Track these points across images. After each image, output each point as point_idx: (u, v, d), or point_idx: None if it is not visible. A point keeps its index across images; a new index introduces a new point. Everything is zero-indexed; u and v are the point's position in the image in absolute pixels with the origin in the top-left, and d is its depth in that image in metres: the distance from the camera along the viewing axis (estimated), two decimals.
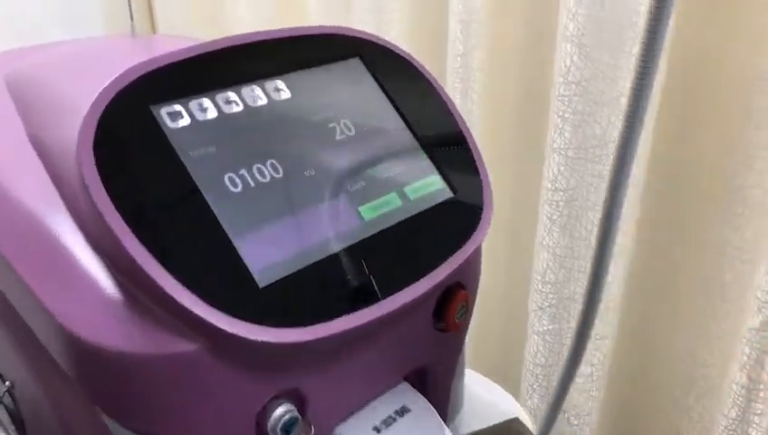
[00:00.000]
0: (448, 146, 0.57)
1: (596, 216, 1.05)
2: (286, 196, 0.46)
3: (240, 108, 0.48)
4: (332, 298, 0.44)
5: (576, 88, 1.02)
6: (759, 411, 1.05)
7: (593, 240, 1.10)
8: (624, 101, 0.71)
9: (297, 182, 0.47)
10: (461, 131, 0.58)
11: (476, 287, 0.60)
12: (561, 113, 1.03)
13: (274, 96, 0.50)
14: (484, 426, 0.70)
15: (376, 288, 0.46)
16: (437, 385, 0.61)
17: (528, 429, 0.70)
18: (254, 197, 0.44)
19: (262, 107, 0.49)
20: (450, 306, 0.56)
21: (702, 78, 1.03)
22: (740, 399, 1.05)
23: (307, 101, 0.52)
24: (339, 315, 0.43)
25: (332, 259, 0.45)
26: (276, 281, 0.41)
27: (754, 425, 1.05)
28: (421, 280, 0.49)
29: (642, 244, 1.10)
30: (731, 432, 1.07)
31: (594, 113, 1.02)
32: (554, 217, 1.05)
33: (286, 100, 0.51)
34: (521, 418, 0.71)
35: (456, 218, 0.54)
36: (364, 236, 0.48)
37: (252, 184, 0.45)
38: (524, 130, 1.16)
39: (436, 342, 0.57)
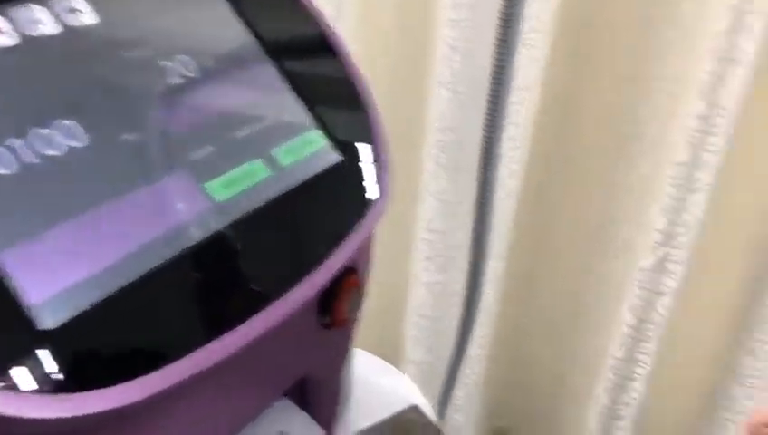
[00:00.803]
0: (332, 90, 0.42)
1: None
2: (90, 177, 0.29)
3: (14, 40, 0.31)
4: (169, 331, 0.29)
5: (463, 11, 0.89)
6: (646, 351, 1.01)
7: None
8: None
9: (108, 153, 0.31)
10: (347, 69, 0.43)
11: (369, 270, 0.46)
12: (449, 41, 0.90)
13: (71, 21, 0.33)
14: (378, 419, 0.58)
15: (237, 305, 0.31)
16: (323, 391, 0.48)
17: (426, 416, 0.59)
18: (34, 182, 0.28)
19: (50, 39, 0.32)
20: (340, 297, 0.42)
21: (596, 11, 0.93)
22: (628, 339, 1.01)
23: (123, 29, 0.35)
24: (180, 355, 0.28)
25: (165, 270, 0.30)
26: (72, 319, 0.25)
27: (641, 364, 1.02)
28: (301, 284, 0.34)
29: (530, 185, 1.01)
30: (617, 371, 1.03)
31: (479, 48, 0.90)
32: (441, 162, 0.93)
33: (90, 27, 0.33)
34: (418, 404, 0.60)
35: (347, 189, 0.40)
36: (216, 228, 0.33)
37: (33, 160, 0.28)
38: (408, 63, 1.02)
39: (321, 342, 0.44)
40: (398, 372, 0.65)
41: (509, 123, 0.89)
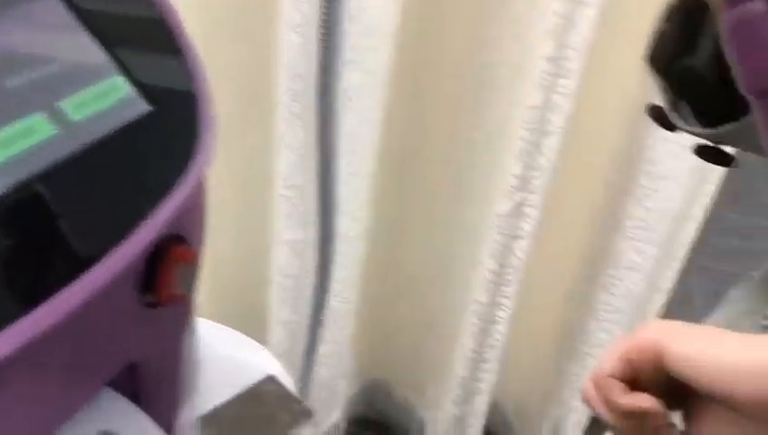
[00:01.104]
0: (138, 30, 0.35)
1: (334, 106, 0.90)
2: None
3: None
4: None
5: None
6: (508, 295, 1.02)
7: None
8: None
9: None
10: (158, 6, 0.36)
11: (202, 237, 0.41)
12: None
13: None
14: (232, 394, 0.54)
15: (42, 279, 0.25)
16: (157, 379, 0.42)
17: (283, 386, 0.55)
18: None
19: None
20: (165, 271, 0.36)
21: None
22: (490, 284, 1.01)
23: None
24: None
25: None
26: None
27: (503, 307, 1.03)
28: (115, 252, 0.29)
29: (387, 133, 0.98)
30: (481, 316, 1.04)
31: None
32: (294, 111, 0.87)
33: None
34: (275, 374, 0.56)
35: (162, 144, 0.34)
36: None
37: None
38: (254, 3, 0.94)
39: (148, 323, 0.38)
40: (255, 343, 0.60)
41: (356, 69, 0.85)
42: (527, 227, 0.95)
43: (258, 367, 0.56)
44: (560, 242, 1.06)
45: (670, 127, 0.41)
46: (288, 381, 0.56)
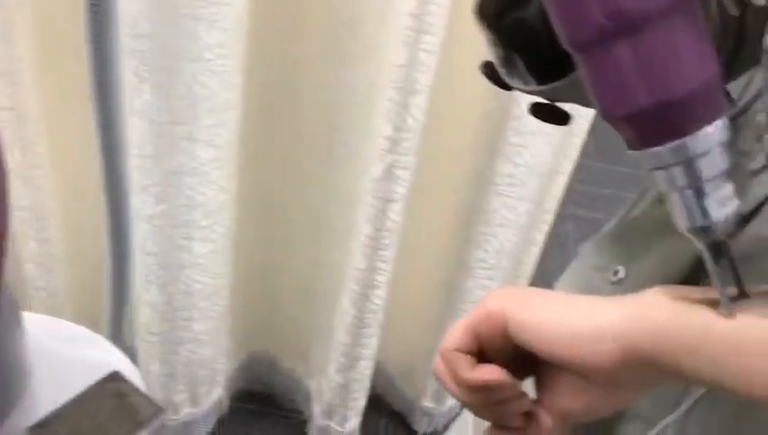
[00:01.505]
0: None
1: (189, 68, 0.83)
2: None
3: None
4: None
5: None
6: (385, 259, 1.00)
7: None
8: None
9: None
10: None
11: (6, 223, 0.35)
12: None
13: None
14: (72, 395, 0.48)
15: None
16: None
17: (129, 381, 0.50)
18: None
19: None
20: None
21: None
22: (367, 249, 0.99)
23: None
24: None
25: None
26: None
27: (381, 272, 1.01)
28: None
29: (249, 96, 0.92)
30: (359, 281, 1.02)
31: None
32: (143, 75, 0.80)
33: None
34: (120, 369, 0.51)
35: None
36: None
37: None
38: None
39: None
40: (98, 336, 0.54)
41: (213, 27, 0.78)
42: (400, 189, 0.93)
43: (101, 360, 0.51)
44: (433, 203, 1.05)
45: (505, 85, 0.39)
46: (135, 376, 0.51)
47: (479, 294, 1.09)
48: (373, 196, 0.93)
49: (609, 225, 0.47)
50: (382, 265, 1.00)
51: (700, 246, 0.27)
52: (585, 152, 1.30)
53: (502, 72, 0.38)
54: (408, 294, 1.13)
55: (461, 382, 0.32)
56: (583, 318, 0.30)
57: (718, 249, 0.27)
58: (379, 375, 1.24)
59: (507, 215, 1.02)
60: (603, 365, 0.29)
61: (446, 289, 1.13)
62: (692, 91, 0.25)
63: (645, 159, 0.27)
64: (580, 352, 0.29)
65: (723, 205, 0.26)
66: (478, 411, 0.33)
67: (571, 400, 0.31)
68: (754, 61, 0.32)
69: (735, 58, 0.33)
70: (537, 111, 0.40)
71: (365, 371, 1.11)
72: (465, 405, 0.33)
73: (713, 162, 0.26)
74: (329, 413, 1.16)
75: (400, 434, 1.28)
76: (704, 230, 0.27)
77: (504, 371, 0.32)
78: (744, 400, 0.26)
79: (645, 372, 0.29)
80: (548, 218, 1.11)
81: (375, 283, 1.01)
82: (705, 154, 0.26)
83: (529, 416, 0.33)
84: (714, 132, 0.26)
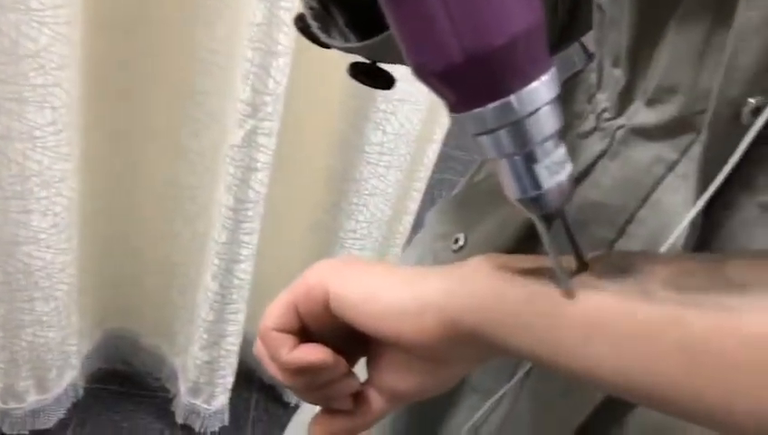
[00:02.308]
0: None
1: (12, 18, 0.72)
2: None
3: None
4: None
5: None
6: (249, 231, 0.94)
7: None
8: None
9: None
10: None
11: None
12: None
13: None
14: None
15: None
16: None
17: None
18: None
19: None
20: None
21: None
22: (229, 221, 0.92)
23: None
24: None
25: None
26: None
27: (245, 245, 0.95)
28: None
29: (94, 53, 0.82)
30: (222, 256, 0.95)
31: None
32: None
33: None
34: None
35: None
36: None
37: None
38: None
39: None
40: None
41: None
42: (263, 157, 0.87)
43: None
44: (300, 171, 0.99)
45: (320, 42, 0.34)
46: None
47: None
48: (234, 164, 0.87)
49: (456, 190, 0.45)
50: (246, 239, 0.94)
51: (533, 217, 0.24)
52: None
53: (314, 25, 0.33)
54: (276, 265, 1.08)
55: (281, 365, 0.29)
56: (405, 292, 0.27)
57: (552, 219, 0.24)
58: (249, 349, 1.19)
59: (378, 184, 0.99)
60: (426, 341, 0.27)
61: (316, 260, 1.08)
62: (512, 39, 0.21)
63: (466, 124, 0.23)
64: (402, 327, 0.27)
65: (555, 171, 0.23)
66: (303, 395, 0.31)
67: (398, 378, 0.29)
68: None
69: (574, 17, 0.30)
70: (357, 72, 0.35)
71: (232, 347, 1.06)
72: (289, 389, 0.30)
73: (542, 124, 0.22)
74: (195, 391, 1.10)
75: (273, 407, 1.24)
76: (535, 200, 0.23)
77: (328, 350, 0.29)
78: (565, 375, 0.25)
79: (469, 346, 0.27)
80: (421, 187, 1.09)
81: (239, 257, 0.95)
82: (532, 114, 0.22)
83: (359, 397, 0.31)
84: (541, 89, 0.22)
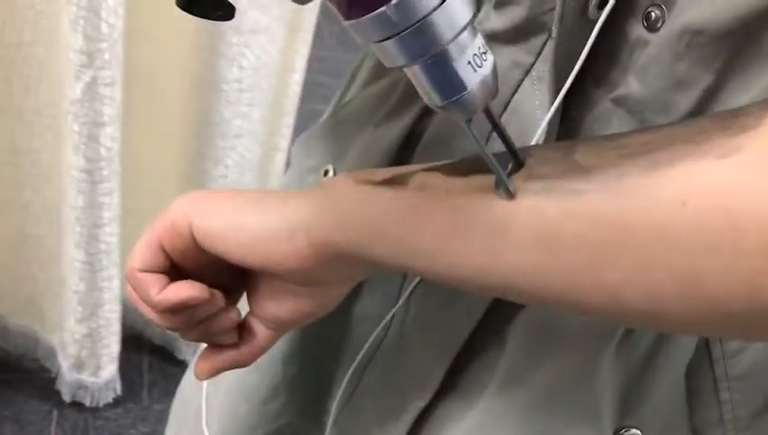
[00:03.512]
0: None
1: None
2: None
3: None
4: None
5: None
6: (107, 191, 0.87)
7: None
8: None
9: None
10: None
11: None
12: None
13: None
14: None
15: None
16: None
17: None
18: None
19: None
20: None
21: None
22: (84, 184, 0.85)
23: None
24: None
25: None
26: None
27: (105, 206, 0.88)
28: None
29: None
30: (83, 222, 0.88)
31: None
32: None
33: None
34: None
35: None
36: None
37: None
38: None
39: None
40: None
41: None
42: (109, 110, 0.79)
43: None
44: (156, 120, 0.92)
45: None
46: None
47: None
48: (78, 121, 0.79)
49: (324, 116, 0.43)
50: (105, 200, 0.87)
51: (459, 121, 0.22)
52: (323, 44, 1.23)
53: None
54: (148, 221, 1.01)
55: (153, 306, 0.28)
56: (273, 217, 0.27)
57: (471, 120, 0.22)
58: (133, 312, 1.13)
59: (242, 124, 0.93)
60: (299, 264, 0.27)
61: None
62: None
63: (366, 30, 0.20)
64: (271, 253, 0.27)
65: (477, 65, 0.21)
66: (184, 334, 0.30)
67: (278, 305, 0.29)
68: None
69: None
70: (188, 2, 0.31)
71: (111, 315, 1.00)
72: (168, 329, 0.29)
73: (453, 14, 0.20)
74: (79, 366, 1.04)
75: (167, 367, 1.19)
76: (459, 103, 0.21)
77: (201, 285, 0.28)
78: (430, 278, 0.25)
79: (342, 264, 0.27)
80: (290, 121, 1.04)
81: (101, 220, 0.88)
82: (440, 5, 0.19)
83: (243, 329, 0.30)
84: None
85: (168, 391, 1.17)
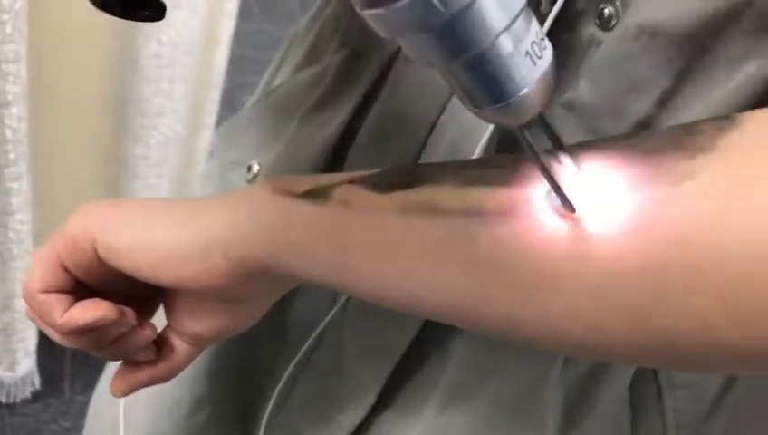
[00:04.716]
0: None
1: None
2: None
3: None
4: None
5: None
6: (14, 176, 0.81)
7: None
8: None
9: None
10: None
11: None
12: None
13: None
14: None
15: None
16: None
17: None
18: None
19: None
20: None
21: None
22: None
23: None
24: None
25: None
26: None
27: (14, 192, 0.82)
28: None
29: None
30: None
31: None
32: None
33: None
34: None
35: None
36: None
37: None
38: None
39: None
40: None
41: None
42: (14, 88, 0.73)
43: None
44: (69, 99, 0.86)
45: None
46: None
47: (149, 194, 0.96)
48: None
49: (249, 102, 0.40)
50: (14, 185, 0.81)
51: (510, 127, 0.18)
52: (249, 16, 1.18)
53: None
54: (63, 207, 0.95)
55: (58, 329, 0.26)
56: (185, 233, 0.25)
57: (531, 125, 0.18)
58: None
59: (164, 101, 0.88)
60: (215, 282, 0.25)
61: (109, 193, 0.97)
62: None
63: (396, 22, 0.15)
64: (184, 272, 0.25)
65: (536, 57, 0.16)
66: (97, 353, 0.28)
67: (196, 321, 0.27)
68: None
69: None
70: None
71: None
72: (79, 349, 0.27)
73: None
74: None
75: (91, 358, 1.12)
76: (515, 106, 0.17)
77: (108, 304, 0.26)
78: (357, 297, 0.23)
79: (261, 280, 0.25)
80: (215, 96, 1.00)
81: (9, 207, 0.82)
82: None
83: (160, 344, 0.28)
84: None
85: (92, 383, 1.12)
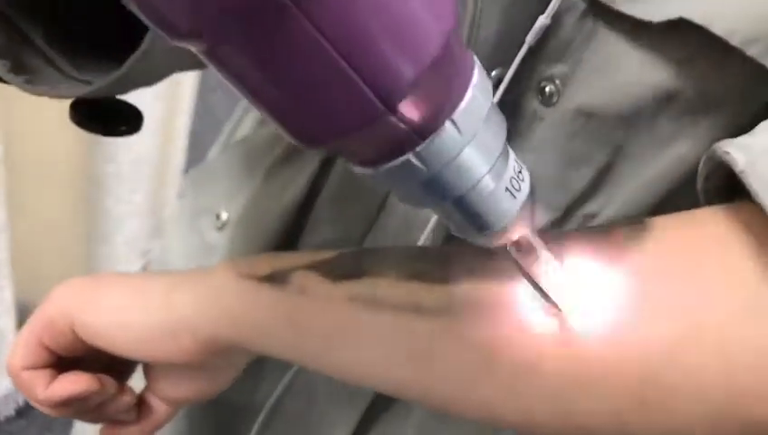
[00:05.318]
0: None
1: None
2: None
3: None
4: None
5: None
6: None
7: None
8: None
9: None
10: None
11: None
12: None
13: None
14: None
15: None
16: None
17: None
18: None
19: None
20: None
21: None
22: None
23: None
24: None
25: None
26: None
27: None
28: None
29: None
30: None
31: None
32: None
33: None
34: None
35: None
36: None
37: None
38: None
39: None
40: None
41: None
42: None
43: None
44: (35, 115, 0.86)
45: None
46: None
47: (123, 210, 0.96)
48: None
49: (214, 148, 0.41)
50: None
51: (497, 248, 0.19)
52: None
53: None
54: (38, 226, 0.95)
55: (41, 404, 0.28)
56: (158, 314, 0.27)
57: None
58: (25, 311, 1.07)
59: None
60: (184, 359, 0.27)
61: (82, 213, 0.97)
62: (445, 38, 0.15)
63: (385, 179, 0.17)
64: (156, 351, 0.27)
65: (515, 190, 0.18)
66: (82, 419, 0.30)
67: (172, 386, 0.29)
68: None
69: None
70: (84, 115, 0.27)
71: (6, 325, 0.94)
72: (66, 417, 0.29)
73: (488, 142, 0.17)
74: None
75: None
76: (500, 233, 0.18)
77: (88, 376, 0.28)
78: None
79: (231, 354, 0.28)
80: (186, 108, 1.00)
81: None
82: (471, 141, 0.16)
83: (141, 405, 0.30)
84: (475, 98, 0.16)
85: None
